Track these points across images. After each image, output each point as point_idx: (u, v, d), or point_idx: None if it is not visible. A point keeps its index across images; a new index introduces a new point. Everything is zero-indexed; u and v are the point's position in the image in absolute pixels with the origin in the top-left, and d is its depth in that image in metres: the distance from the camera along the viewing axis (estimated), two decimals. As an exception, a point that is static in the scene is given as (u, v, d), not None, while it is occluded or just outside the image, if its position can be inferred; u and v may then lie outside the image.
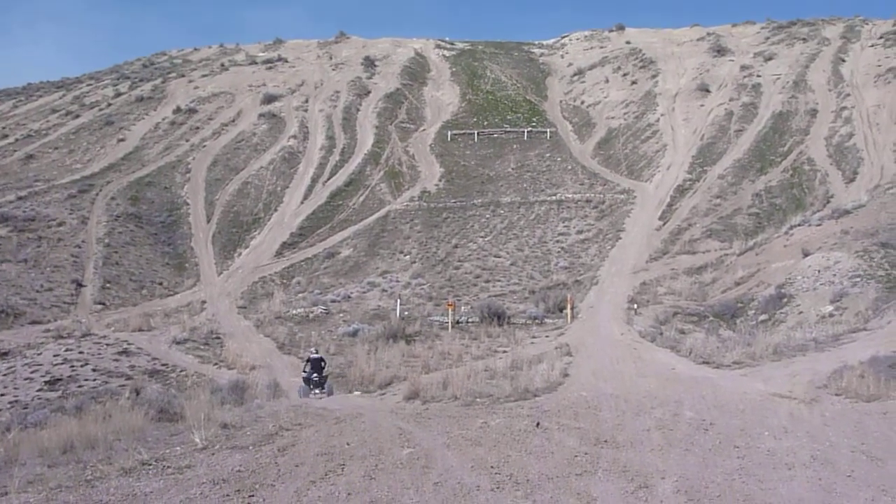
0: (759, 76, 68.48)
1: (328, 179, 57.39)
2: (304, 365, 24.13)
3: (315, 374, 23.31)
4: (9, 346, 28.81)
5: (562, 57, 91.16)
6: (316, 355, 24.08)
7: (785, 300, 28.76)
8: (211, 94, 76.36)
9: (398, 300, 35.64)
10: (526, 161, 60.36)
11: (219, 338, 31.60)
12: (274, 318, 34.56)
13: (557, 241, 45.06)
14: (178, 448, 12.94)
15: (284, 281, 42.71)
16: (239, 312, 37.06)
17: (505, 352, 26.09)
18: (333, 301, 37.35)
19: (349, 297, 38.25)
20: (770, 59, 72.48)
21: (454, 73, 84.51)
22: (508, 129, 67.94)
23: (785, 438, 11.84)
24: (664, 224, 44.90)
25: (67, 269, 40.79)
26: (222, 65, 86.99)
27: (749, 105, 62.25)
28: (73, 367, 25.63)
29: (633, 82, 75.58)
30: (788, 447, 11.15)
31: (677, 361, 22.67)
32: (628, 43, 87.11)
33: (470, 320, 32.57)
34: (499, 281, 39.85)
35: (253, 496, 9.32)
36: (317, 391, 22.70)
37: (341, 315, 34.98)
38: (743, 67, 71.39)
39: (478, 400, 18.18)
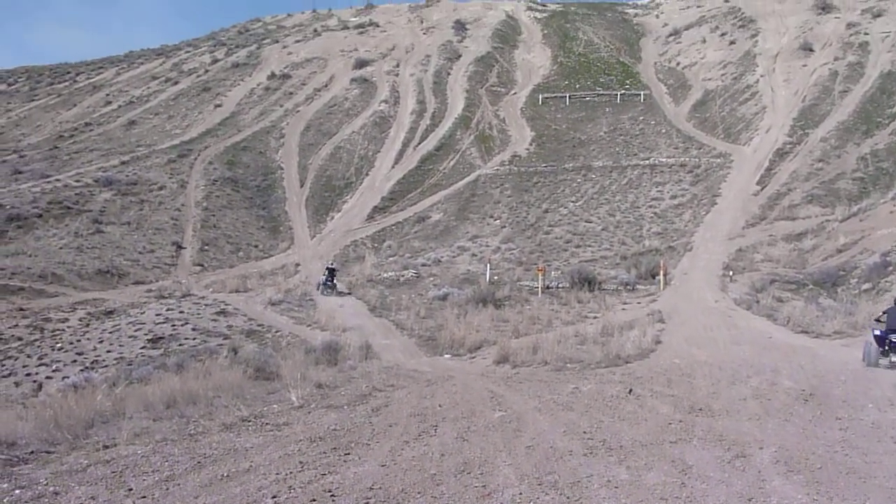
0: (866, 34, 65.06)
1: (419, 144, 57.61)
2: (324, 272, 34.03)
3: (330, 280, 33.32)
4: (114, 305, 30.12)
5: (657, 17, 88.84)
6: (332, 265, 34.64)
7: (890, 268, 27.60)
8: (304, 59, 77.37)
9: (488, 264, 35.63)
10: (618, 124, 59.22)
11: (312, 300, 32.27)
12: (365, 281, 35.06)
13: (650, 206, 44.18)
14: (275, 406, 13.31)
15: (375, 244, 43.25)
16: (331, 275, 37.73)
17: (595, 317, 25.87)
18: (424, 265, 37.64)
19: (439, 260, 38.48)
20: (879, 15, 68.66)
21: (545, 36, 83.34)
22: (601, 92, 66.67)
23: (890, 411, 11.42)
24: (762, 189, 43.47)
25: (168, 232, 42.25)
26: (315, 30, 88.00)
27: (855, 64, 59.40)
28: (173, 325, 26.63)
29: (732, 42, 73.01)
30: (894, 420, 10.74)
31: (774, 330, 22.14)
32: (727, 1, 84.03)
33: (560, 285, 32.34)
34: (590, 246, 39.40)
35: (349, 454, 9.51)
36: (328, 291, 32.83)
37: (431, 279, 35.20)
38: (849, 25, 67.94)
39: (568, 365, 18.15)
